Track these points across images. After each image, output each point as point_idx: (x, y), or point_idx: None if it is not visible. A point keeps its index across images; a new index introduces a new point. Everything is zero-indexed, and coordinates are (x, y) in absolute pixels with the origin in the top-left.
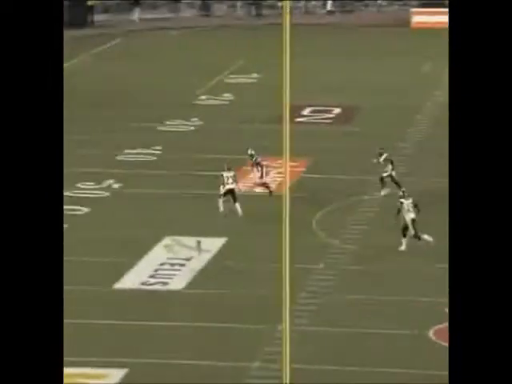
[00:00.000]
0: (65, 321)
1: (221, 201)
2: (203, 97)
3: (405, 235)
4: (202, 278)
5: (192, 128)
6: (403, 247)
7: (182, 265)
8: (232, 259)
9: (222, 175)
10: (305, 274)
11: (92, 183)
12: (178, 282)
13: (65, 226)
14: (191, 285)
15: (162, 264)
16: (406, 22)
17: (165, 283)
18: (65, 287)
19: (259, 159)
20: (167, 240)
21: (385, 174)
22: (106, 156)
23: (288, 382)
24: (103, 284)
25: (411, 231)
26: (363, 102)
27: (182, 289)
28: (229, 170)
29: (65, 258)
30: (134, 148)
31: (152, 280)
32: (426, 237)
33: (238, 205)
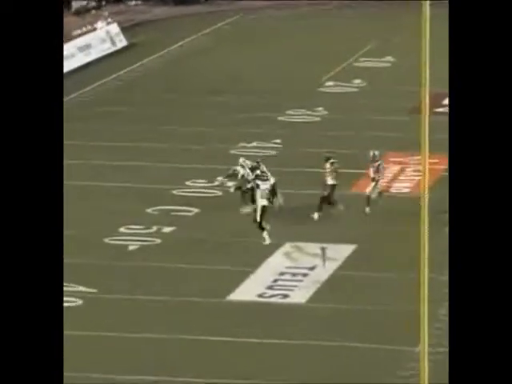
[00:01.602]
0: (172, 336)
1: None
2: (330, 83)
3: None
4: (328, 289)
5: (316, 119)
6: None
7: (305, 275)
8: (361, 268)
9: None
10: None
11: (203, 181)
12: (300, 294)
13: (172, 228)
14: (315, 298)
15: (281, 274)
16: None
17: (285, 295)
18: (171, 298)
19: (378, 158)
20: (287, 247)
21: None
22: (219, 150)
23: None
24: (215, 295)
25: None
26: None
27: (305, 302)
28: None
29: (172, 265)
30: (249, 142)
31: (270, 292)
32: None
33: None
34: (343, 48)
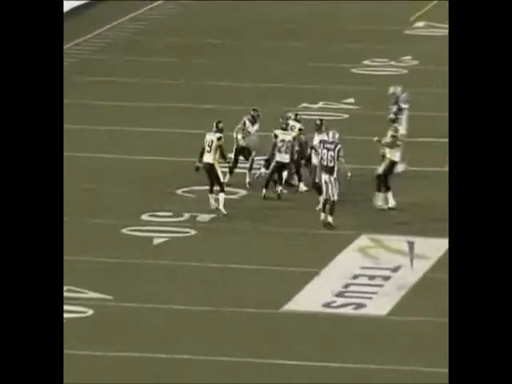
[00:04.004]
0: (215, 358)
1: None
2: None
3: None
4: (416, 297)
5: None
6: None
7: (387, 278)
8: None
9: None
10: None
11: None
12: (380, 303)
13: (211, 215)
14: (399, 308)
15: (355, 276)
16: None
17: (360, 305)
18: (211, 309)
19: None
20: (364, 240)
21: None
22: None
23: None
24: (268, 304)
25: None
26: None
27: (386, 314)
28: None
29: (211, 265)
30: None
31: (340, 300)
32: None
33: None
34: None
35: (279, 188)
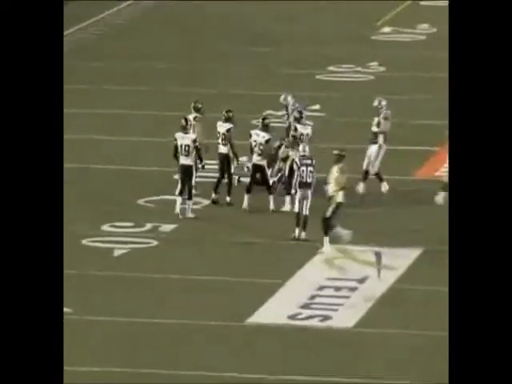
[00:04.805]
0: (183, 373)
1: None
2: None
3: None
4: (384, 309)
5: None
6: None
7: (353, 289)
8: (429, 280)
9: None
10: None
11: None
12: (347, 315)
13: (173, 225)
14: (366, 320)
15: (321, 288)
16: None
17: (326, 317)
18: (177, 321)
19: None
20: (331, 250)
21: None
22: None
23: None
24: (230, 317)
25: None
26: None
27: (353, 326)
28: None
29: (171, 276)
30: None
31: (306, 312)
32: None
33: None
34: None
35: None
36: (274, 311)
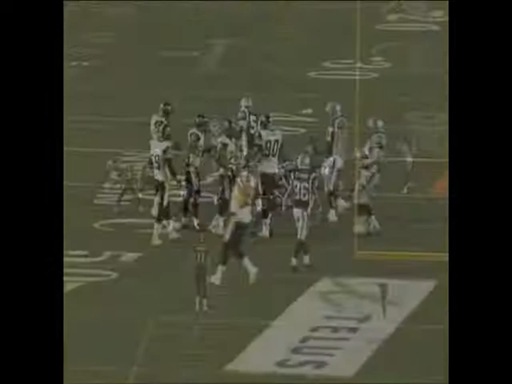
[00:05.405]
0: None
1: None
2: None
3: None
4: (390, 354)
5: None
6: None
7: (353, 330)
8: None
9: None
10: None
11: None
12: (346, 361)
13: (136, 254)
14: (369, 367)
15: (314, 329)
16: None
17: (320, 364)
18: (142, 369)
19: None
20: (326, 283)
21: None
22: None
23: None
24: (209, 362)
25: None
26: None
27: (354, 375)
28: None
29: (146, 315)
30: None
31: (297, 357)
32: None
33: None
34: None
35: None
36: (259, 357)
